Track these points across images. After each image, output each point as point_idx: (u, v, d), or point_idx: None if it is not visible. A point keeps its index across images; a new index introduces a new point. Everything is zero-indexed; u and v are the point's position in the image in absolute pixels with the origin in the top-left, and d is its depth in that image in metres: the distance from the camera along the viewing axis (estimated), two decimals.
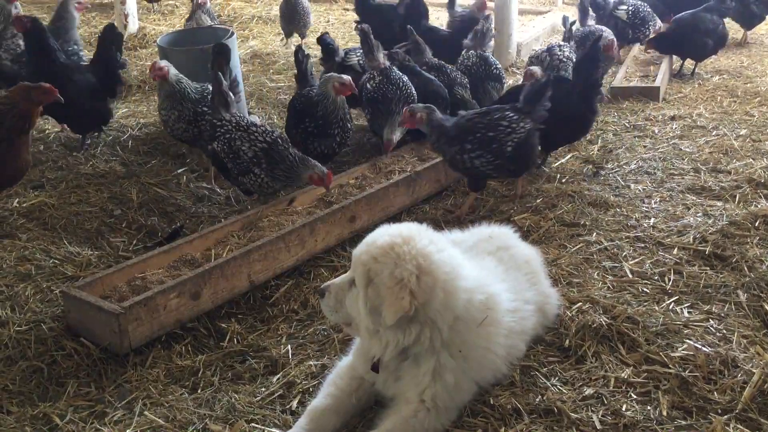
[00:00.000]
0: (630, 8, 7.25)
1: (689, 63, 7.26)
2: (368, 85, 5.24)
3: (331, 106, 4.87)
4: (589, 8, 7.04)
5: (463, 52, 5.98)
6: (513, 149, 4.45)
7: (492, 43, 6.06)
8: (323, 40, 5.98)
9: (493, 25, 6.13)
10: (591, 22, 6.81)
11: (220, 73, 4.69)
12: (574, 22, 6.44)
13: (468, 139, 4.43)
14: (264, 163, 4.34)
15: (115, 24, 6.10)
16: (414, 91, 5.17)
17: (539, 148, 4.73)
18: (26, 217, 4.54)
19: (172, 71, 4.93)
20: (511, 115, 4.49)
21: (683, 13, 7.07)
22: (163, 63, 4.93)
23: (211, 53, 5.01)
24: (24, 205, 4.65)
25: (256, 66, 7.64)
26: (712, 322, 3.40)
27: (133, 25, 8.40)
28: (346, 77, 4.86)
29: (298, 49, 5.39)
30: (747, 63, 7.58)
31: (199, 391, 3.16)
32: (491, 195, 4.85)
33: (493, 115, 4.52)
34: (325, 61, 6.04)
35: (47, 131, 5.90)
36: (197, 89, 5.03)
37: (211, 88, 4.82)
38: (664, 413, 2.87)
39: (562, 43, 6.11)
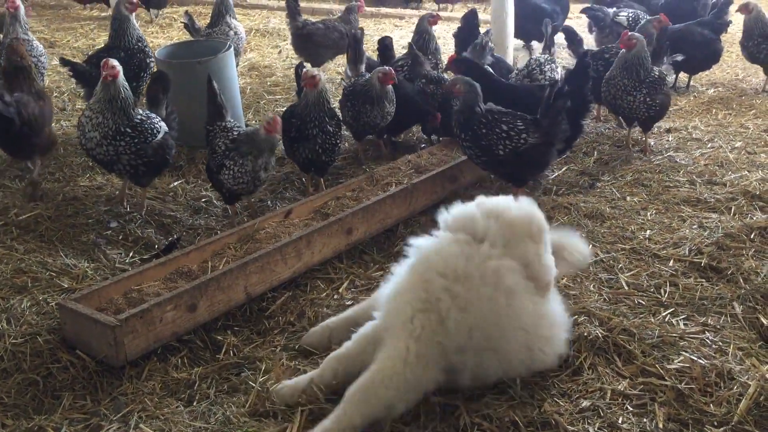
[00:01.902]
0: (630, 15, 7.31)
1: (684, 76, 7.30)
2: (346, 91, 5.58)
3: (302, 101, 4.89)
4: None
5: None
6: (506, 154, 4.56)
7: (490, 59, 6.06)
8: (383, 43, 6.11)
9: (492, 38, 6.15)
10: None
11: (215, 83, 4.74)
12: (555, 27, 6.44)
13: (467, 127, 4.62)
14: (233, 149, 4.45)
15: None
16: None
17: (545, 164, 4.79)
18: (23, 228, 4.54)
19: (122, 75, 4.64)
20: (519, 123, 4.59)
21: (675, 25, 7.12)
22: (116, 63, 4.62)
23: (150, 81, 4.97)
24: (21, 217, 4.65)
25: (254, 78, 7.67)
26: (708, 334, 3.41)
27: None
28: (313, 71, 4.88)
29: (299, 65, 5.44)
30: (742, 76, 7.62)
31: (194, 404, 3.16)
32: None
33: (503, 117, 4.64)
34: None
35: None
36: (137, 110, 4.66)
37: (155, 120, 4.70)
38: (660, 426, 2.87)
39: (542, 60, 5.85)
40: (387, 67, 5.38)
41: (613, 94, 5.51)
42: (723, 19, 7.07)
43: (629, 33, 5.55)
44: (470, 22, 6.49)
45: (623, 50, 5.48)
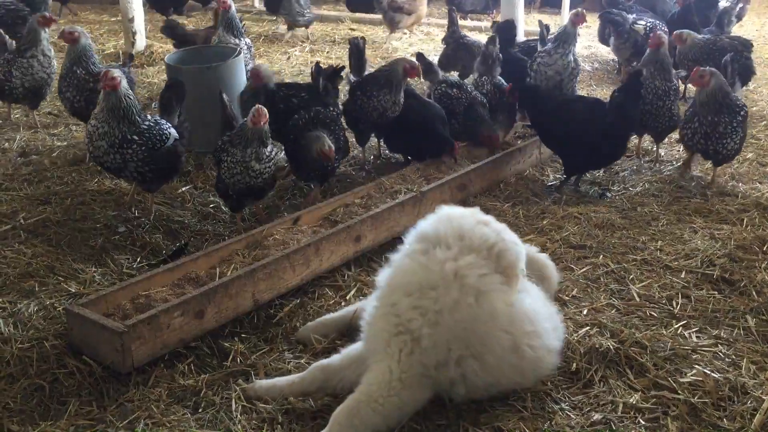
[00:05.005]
0: (648, 24, 7.30)
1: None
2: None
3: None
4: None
5: (476, 77, 6.00)
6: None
7: (499, 69, 6.03)
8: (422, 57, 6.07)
9: (498, 48, 6.12)
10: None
11: (225, 95, 4.74)
12: (548, 27, 6.45)
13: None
14: (227, 142, 4.51)
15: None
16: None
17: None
18: (31, 232, 4.53)
19: (124, 84, 4.59)
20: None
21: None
22: (117, 73, 4.57)
23: (164, 87, 4.99)
24: (29, 220, 4.64)
25: None
26: (720, 347, 3.38)
27: (141, 43, 8.46)
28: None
29: (317, 64, 5.39)
30: (753, 87, 7.58)
31: (200, 411, 3.13)
32: (499, 218, 4.81)
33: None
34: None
35: (51, 147, 5.91)
36: (144, 117, 4.64)
37: (164, 126, 4.69)
38: None
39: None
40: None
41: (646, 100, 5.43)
42: (725, 30, 7.05)
43: (657, 33, 5.53)
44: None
45: (651, 50, 5.45)
